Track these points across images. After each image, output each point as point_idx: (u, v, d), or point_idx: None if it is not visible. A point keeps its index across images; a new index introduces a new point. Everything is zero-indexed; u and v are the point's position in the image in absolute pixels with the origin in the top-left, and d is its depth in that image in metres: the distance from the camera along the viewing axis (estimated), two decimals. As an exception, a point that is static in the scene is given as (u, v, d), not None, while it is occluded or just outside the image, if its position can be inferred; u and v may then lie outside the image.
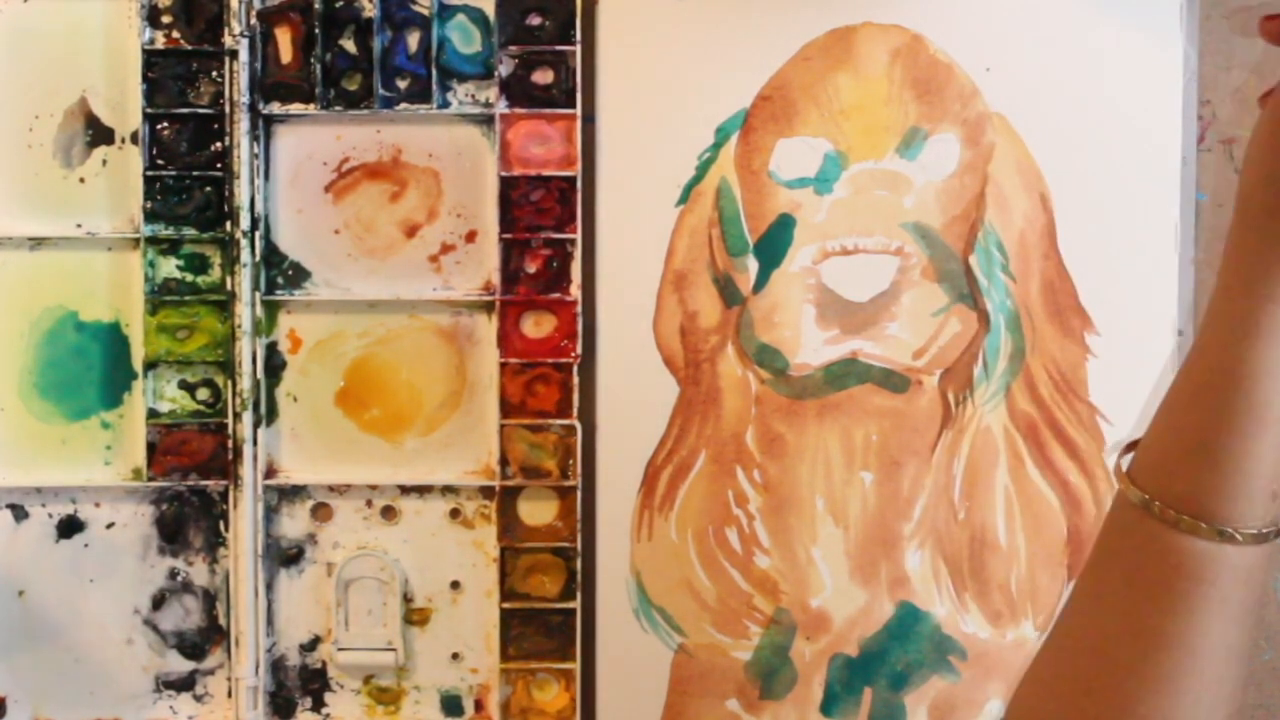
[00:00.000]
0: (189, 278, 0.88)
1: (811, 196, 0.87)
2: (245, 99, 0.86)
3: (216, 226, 0.87)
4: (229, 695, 0.90)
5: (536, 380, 0.88)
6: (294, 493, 0.89)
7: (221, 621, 0.90)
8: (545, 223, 0.87)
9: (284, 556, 0.90)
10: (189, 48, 0.87)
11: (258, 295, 0.88)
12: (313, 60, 0.87)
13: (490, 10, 0.87)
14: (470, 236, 0.89)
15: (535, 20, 0.87)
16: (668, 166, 0.87)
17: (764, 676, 0.89)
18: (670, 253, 0.88)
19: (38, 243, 0.88)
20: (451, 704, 0.90)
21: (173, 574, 0.89)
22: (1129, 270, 0.87)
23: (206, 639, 0.90)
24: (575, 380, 0.88)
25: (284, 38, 0.87)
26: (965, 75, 0.87)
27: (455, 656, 0.90)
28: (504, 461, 0.88)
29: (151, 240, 0.87)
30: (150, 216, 0.87)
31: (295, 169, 0.88)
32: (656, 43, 0.87)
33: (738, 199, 0.87)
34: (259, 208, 0.87)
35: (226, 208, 0.87)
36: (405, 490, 0.89)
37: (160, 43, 0.87)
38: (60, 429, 0.89)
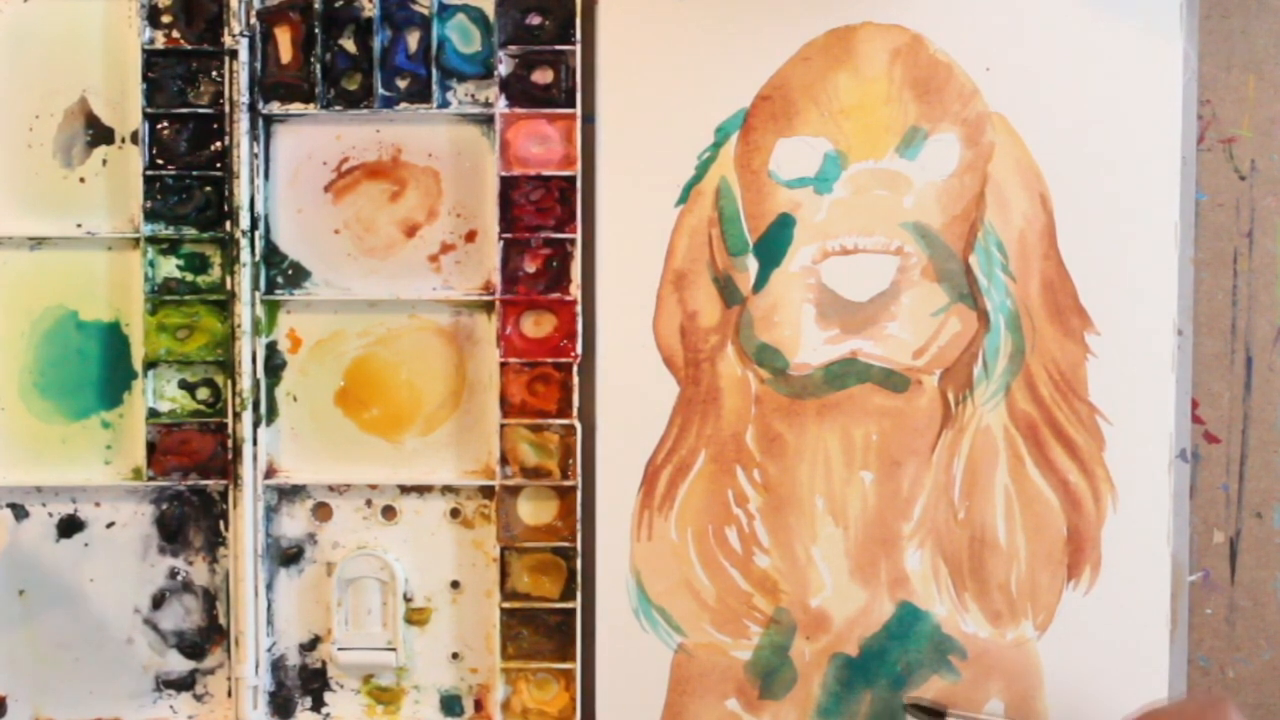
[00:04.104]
0: (189, 277, 0.88)
1: (811, 196, 0.87)
2: (245, 99, 0.86)
3: (216, 226, 0.87)
4: (229, 695, 0.90)
5: (537, 380, 0.88)
6: (294, 492, 0.89)
7: (221, 621, 0.90)
8: (545, 222, 0.87)
9: (284, 556, 0.90)
10: (189, 48, 0.87)
11: (257, 295, 0.88)
12: (313, 60, 0.87)
13: (490, 10, 0.87)
14: (470, 236, 0.89)
15: (535, 20, 0.87)
16: (668, 166, 0.87)
17: (764, 676, 0.89)
18: (670, 252, 0.88)
19: (38, 242, 0.88)
20: (451, 704, 0.90)
21: (173, 573, 0.89)
22: (1129, 270, 0.87)
23: (206, 638, 0.90)
24: (575, 380, 0.88)
25: (284, 37, 0.87)
26: (965, 75, 0.87)
27: (455, 656, 0.90)
28: (504, 461, 0.88)
29: (151, 240, 0.87)
30: (150, 216, 0.87)
31: (295, 169, 0.88)
32: (656, 43, 0.87)
33: (737, 198, 0.87)
34: (259, 207, 0.87)
35: (226, 207, 0.87)
36: (405, 490, 0.89)
37: (160, 43, 0.87)
38: (60, 428, 0.89)
